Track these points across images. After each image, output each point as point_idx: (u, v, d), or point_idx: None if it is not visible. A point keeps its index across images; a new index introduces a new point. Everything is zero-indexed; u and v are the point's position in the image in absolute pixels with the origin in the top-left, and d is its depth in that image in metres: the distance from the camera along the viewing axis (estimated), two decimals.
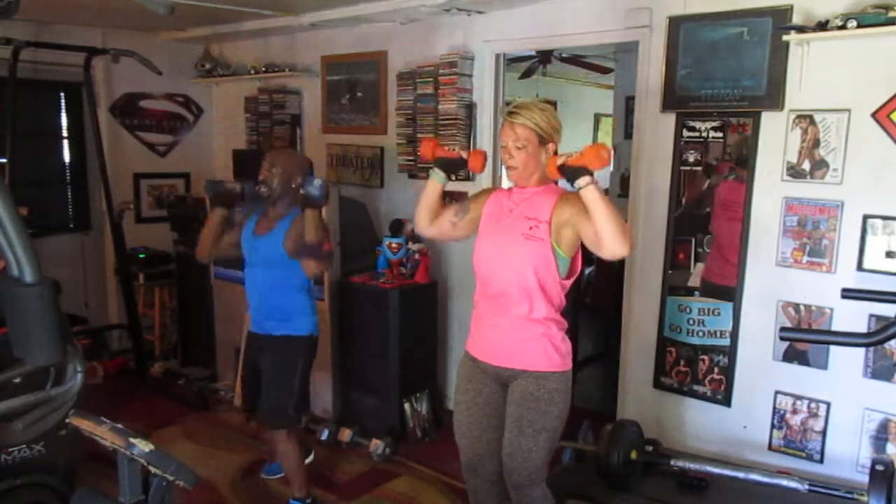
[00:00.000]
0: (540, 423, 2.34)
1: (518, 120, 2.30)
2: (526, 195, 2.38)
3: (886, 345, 2.78)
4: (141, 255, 5.02)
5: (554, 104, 9.59)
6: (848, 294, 2.66)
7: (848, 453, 2.99)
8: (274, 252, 2.99)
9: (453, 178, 2.69)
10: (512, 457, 2.37)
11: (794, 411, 3.12)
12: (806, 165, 2.96)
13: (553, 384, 2.34)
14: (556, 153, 2.38)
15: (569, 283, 2.37)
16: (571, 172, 2.17)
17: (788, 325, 3.07)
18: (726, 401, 3.31)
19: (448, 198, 4.10)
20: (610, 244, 2.13)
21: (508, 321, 2.36)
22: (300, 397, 3.13)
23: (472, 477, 2.54)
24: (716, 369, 3.32)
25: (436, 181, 2.48)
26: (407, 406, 3.97)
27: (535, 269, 2.29)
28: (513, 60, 6.31)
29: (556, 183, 2.40)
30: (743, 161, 3.14)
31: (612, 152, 2.17)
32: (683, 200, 3.34)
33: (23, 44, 4.22)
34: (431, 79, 4.12)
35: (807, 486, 2.83)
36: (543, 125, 2.30)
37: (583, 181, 2.14)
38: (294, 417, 3.11)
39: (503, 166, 2.45)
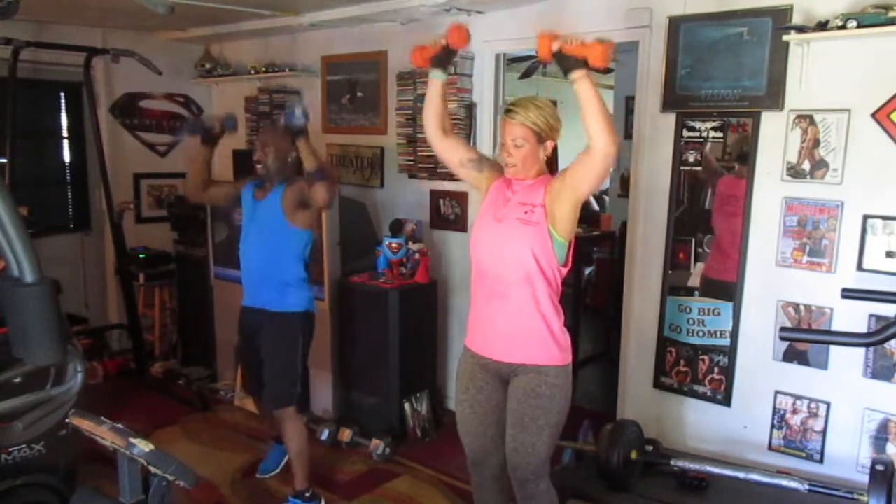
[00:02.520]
0: (543, 419, 2.35)
1: (516, 118, 2.30)
2: (524, 185, 2.39)
3: (886, 345, 2.78)
4: (141, 255, 5.02)
5: (554, 104, 9.60)
6: (848, 294, 2.66)
7: (848, 453, 2.99)
8: (273, 212, 3.03)
9: (453, 70, 2.76)
10: (516, 452, 2.39)
11: (794, 411, 3.12)
12: (806, 165, 2.96)
13: (553, 379, 2.34)
14: (555, 149, 2.39)
15: (566, 270, 2.38)
16: (568, 61, 2.12)
17: (788, 325, 3.07)
18: (726, 401, 3.31)
19: (449, 198, 4.15)
20: (598, 138, 2.12)
21: (507, 312, 2.36)
22: (301, 376, 3.16)
23: (476, 472, 2.58)
24: (716, 369, 3.32)
25: (436, 81, 2.48)
26: (407, 406, 3.96)
27: (534, 251, 2.29)
28: (513, 60, 6.31)
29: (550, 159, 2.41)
30: (743, 157, 3.14)
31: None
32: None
33: (23, 44, 4.22)
34: None
35: (807, 486, 2.82)
36: (541, 123, 2.31)
37: (578, 73, 2.11)
38: (296, 394, 3.13)
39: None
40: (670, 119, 3.33)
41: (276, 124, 3.03)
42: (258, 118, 5.17)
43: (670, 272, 3.42)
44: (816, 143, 2.92)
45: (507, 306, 2.36)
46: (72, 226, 5.22)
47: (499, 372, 2.44)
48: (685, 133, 3.29)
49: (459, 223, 4.18)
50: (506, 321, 2.37)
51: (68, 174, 5.19)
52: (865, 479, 2.58)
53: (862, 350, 2.90)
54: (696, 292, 3.35)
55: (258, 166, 3.08)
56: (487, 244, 2.40)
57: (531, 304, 2.33)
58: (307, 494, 3.18)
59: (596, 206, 9.10)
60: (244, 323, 3.22)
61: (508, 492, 2.56)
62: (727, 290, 3.25)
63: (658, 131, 3.38)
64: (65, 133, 5.16)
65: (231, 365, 4.51)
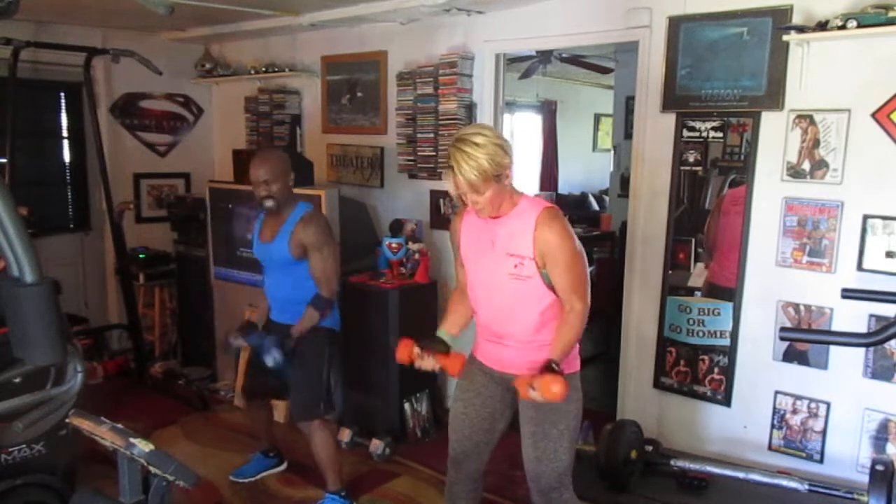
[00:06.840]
0: (562, 422, 2.32)
1: (461, 173, 2.13)
2: (502, 223, 2.28)
3: (886, 345, 2.78)
4: (141, 255, 5.01)
5: (554, 104, 9.60)
6: (848, 294, 2.66)
7: (848, 453, 3.00)
8: (284, 255, 3.07)
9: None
10: (539, 461, 2.34)
11: (794, 411, 3.12)
12: (806, 165, 2.96)
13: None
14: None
15: None
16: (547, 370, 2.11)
17: (788, 325, 3.07)
18: (726, 401, 3.31)
19: (448, 198, 4.15)
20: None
21: (512, 344, 2.35)
22: (330, 390, 3.16)
23: (454, 470, 2.57)
24: (716, 369, 3.32)
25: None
26: (407, 406, 3.96)
27: (529, 304, 2.28)
28: (513, 60, 6.31)
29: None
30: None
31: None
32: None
33: (23, 44, 4.22)
34: (431, 79, 4.12)
35: (807, 486, 2.83)
36: (487, 168, 2.11)
37: (555, 369, 2.12)
38: (323, 409, 3.14)
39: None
40: (670, 119, 3.33)
41: (265, 150, 3.05)
42: (258, 118, 5.17)
43: (670, 272, 3.42)
44: (816, 143, 2.92)
45: (511, 340, 2.35)
46: (72, 226, 5.21)
47: (504, 381, 2.39)
48: (685, 133, 3.29)
49: None
50: (511, 348, 2.36)
51: (68, 174, 5.19)
52: (865, 479, 2.59)
53: (862, 350, 2.90)
54: (697, 292, 3.35)
55: (268, 203, 3.06)
56: (482, 294, 2.38)
57: (535, 338, 2.31)
58: (343, 493, 3.20)
59: (596, 206, 9.12)
60: (270, 334, 3.19)
61: (479, 497, 2.60)
62: (729, 294, 3.25)
63: (658, 131, 3.38)
64: (65, 133, 5.15)
65: (231, 365, 4.50)
